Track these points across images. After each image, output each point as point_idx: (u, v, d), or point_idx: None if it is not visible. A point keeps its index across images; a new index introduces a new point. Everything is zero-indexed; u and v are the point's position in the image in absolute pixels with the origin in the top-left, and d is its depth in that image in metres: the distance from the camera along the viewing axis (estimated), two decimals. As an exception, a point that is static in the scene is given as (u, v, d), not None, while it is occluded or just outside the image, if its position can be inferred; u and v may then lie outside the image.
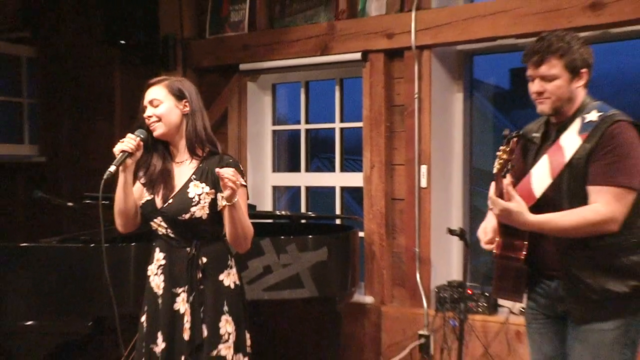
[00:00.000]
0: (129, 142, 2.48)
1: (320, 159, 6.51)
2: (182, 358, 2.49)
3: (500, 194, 2.29)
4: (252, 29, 4.70)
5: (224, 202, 2.40)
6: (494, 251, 2.46)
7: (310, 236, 3.68)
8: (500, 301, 4.03)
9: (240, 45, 4.68)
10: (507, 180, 2.30)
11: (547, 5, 3.63)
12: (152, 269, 2.61)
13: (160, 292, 2.56)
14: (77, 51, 5.30)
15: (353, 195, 5.26)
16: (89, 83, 5.25)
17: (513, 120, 5.22)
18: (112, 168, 2.43)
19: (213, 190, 2.49)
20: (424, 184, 4.11)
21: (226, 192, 2.36)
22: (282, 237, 3.61)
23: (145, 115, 2.55)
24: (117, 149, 2.47)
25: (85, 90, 5.28)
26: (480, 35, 3.87)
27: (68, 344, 3.40)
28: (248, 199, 2.63)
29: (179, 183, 2.55)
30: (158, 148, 2.60)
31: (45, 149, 5.49)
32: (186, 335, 2.49)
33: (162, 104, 2.54)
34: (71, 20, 5.29)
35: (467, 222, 4.33)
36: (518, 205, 2.28)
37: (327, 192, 4.89)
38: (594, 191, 2.30)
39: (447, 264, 4.29)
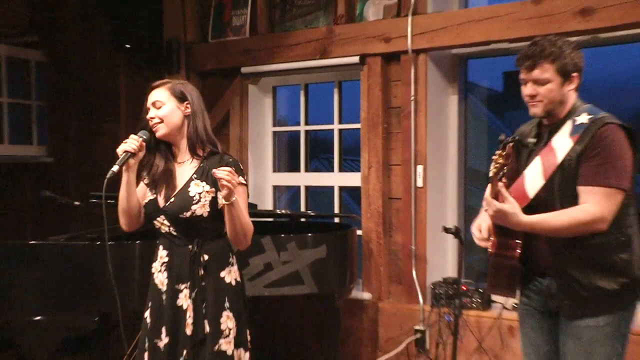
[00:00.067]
0: (131, 142, 2.49)
1: (320, 160, 6.51)
2: (185, 352, 2.49)
3: (495, 196, 2.30)
4: (253, 33, 4.70)
5: (223, 201, 2.41)
6: (489, 250, 2.47)
7: (309, 234, 3.68)
8: (494, 297, 4.04)
9: (242, 49, 4.68)
10: (502, 182, 2.31)
11: (539, 10, 3.63)
12: (156, 266, 2.62)
13: (164, 288, 2.56)
14: (83, 55, 5.30)
15: (351, 194, 5.25)
16: (95, 86, 5.25)
17: (506, 122, 5.22)
18: (115, 168, 2.43)
19: (213, 189, 2.49)
20: (420, 183, 4.11)
21: (223, 192, 2.36)
22: (283, 235, 3.60)
23: (148, 116, 2.56)
24: (120, 149, 2.48)
25: (91, 92, 5.28)
26: (475, 40, 3.87)
27: (75, 339, 3.41)
28: (248, 197, 2.64)
29: (180, 182, 2.56)
30: (160, 149, 2.60)
31: (52, 149, 5.49)
32: (188, 330, 2.49)
33: (164, 105, 2.55)
34: (78, 25, 5.29)
35: (461, 221, 4.32)
36: (512, 207, 2.29)
37: (326, 192, 4.87)
38: (584, 191, 2.31)
39: (443, 261, 4.28)
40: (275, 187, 5.02)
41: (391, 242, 4.27)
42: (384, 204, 4.24)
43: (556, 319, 2.47)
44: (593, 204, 2.28)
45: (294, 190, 5.07)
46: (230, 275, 2.58)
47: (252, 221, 2.59)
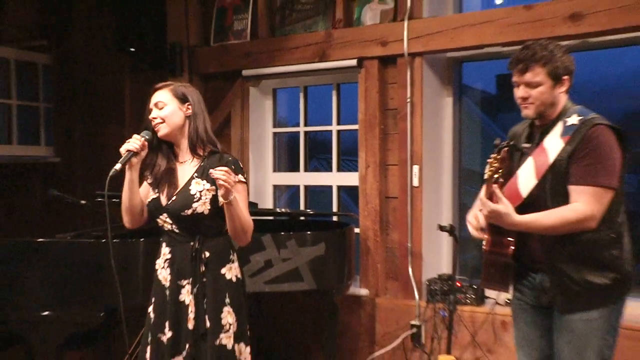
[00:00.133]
0: (134, 142, 2.50)
1: (318, 160, 6.51)
2: (187, 346, 2.50)
3: (490, 197, 2.31)
4: (254, 37, 4.70)
5: (222, 200, 2.41)
6: (484, 247, 2.48)
7: (308, 232, 3.68)
8: (487, 293, 4.04)
9: (243, 52, 4.68)
10: (496, 185, 2.32)
11: (531, 15, 3.63)
12: (159, 263, 2.62)
13: (167, 284, 2.57)
14: (89, 58, 5.30)
15: (349, 193, 5.25)
16: (100, 88, 5.26)
17: (499, 123, 5.21)
18: (118, 166, 2.45)
19: (213, 187, 2.50)
20: (416, 183, 4.10)
21: (221, 191, 2.37)
22: (282, 233, 3.60)
23: (150, 116, 2.57)
24: (123, 148, 2.49)
25: (97, 94, 5.28)
26: (469, 44, 3.87)
27: (81, 333, 3.41)
28: (249, 195, 2.64)
29: (182, 181, 2.57)
30: (162, 149, 2.61)
31: (59, 150, 5.49)
32: (190, 325, 2.50)
33: (166, 106, 2.56)
34: (84, 29, 5.30)
35: (456, 219, 4.31)
36: (505, 207, 2.30)
37: (324, 191, 4.87)
38: (574, 190, 2.32)
39: (438, 258, 4.28)
40: (276, 187, 5.02)
41: (388, 240, 4.27)
42: (381, 202, 4.24)
43: (549, 313, 2.48)
44: (582, 203, 2.29)
45: (294, 190, 5.06)
46: (231, 271, 2.59)
47: (253, 219, 2.60)
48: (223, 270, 2.57)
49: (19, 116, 5.27)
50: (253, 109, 4.85)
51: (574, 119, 2.37)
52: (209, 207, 2.51)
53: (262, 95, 4.92)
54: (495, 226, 2.40)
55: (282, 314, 4.60)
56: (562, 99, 2.42)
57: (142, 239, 3.30)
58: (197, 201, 2.50)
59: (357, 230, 4.26)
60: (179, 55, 4.79)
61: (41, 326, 3.20)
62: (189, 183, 2.54)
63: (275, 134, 4.99)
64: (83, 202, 3.97)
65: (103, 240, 3.30)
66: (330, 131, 4.69)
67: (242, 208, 2.50)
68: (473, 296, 3.96)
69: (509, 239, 2.42)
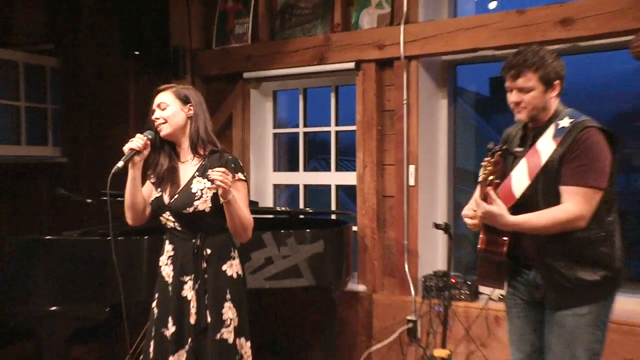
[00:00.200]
0: (137, 141, 2.51)
1: (317, 160, 6.49)
2: (189, 340, 2.51)
3: (484, 198, 2.32)
4: (255, 40, 4.69)
5: (221, 199, 2.42)
6: (479, 246, 2.48)
7: (308, 230, 3.68)
8: (481, 289, 4.04)
9: (244, 55, 4.67)
10: (490, 187, 2.33)
11: (523, 20, 3.63)
12: (162, 260, 2.63)
13: (170, 280, 2.58)
14: (95, 61, 5.30)
15: (347, 192, 5.24)
16: (106, 90, 5.25)
17: (493, 125, 5.22)
18: (120, 163, 2.46)
19: (214, 186, 2.49)
20: (412, 182, 4.11)
21: (219, 191, 2.38)
22: (282, 231, 3.61)
23: (153, 117, 2.57)
24: (127, 147, 2.50)
25: (102, 97, 5.28)
26: (463, 47, 3.87)
27: (87, 328, 3.41)
28: (250, 194, 2.64)
29: (184, 180, 2.57)
30: (165, 148, 2.62)
31: (66, 150, 5.48)
32: (192, 320, 2.51)
33: (169, 107, 2.57)
34: (90, 34, 5.29)
35: (451, 217, 4.32)
36: (499, 208, 2.31)
37: (323, 190, 4.87)
38: (565, 191, 2.32)
39: (433, 255, 4.28)
40: (276, 186, 5.01)
41: (385, 238, 4.27)
42: (378, 201, 4.24)
43: (541, 308, 2.48)
44: (572, 203, 2.29)
45: (293, 189, 5.06)
46: (232, 268, 2.59)
47: (254, 218, 2.60)
48: (224, 267, 2.57)
49: (27, 117, 5.27)
50: (254, 111, 4.85)
51: (565, 122, 2.37)
52: (210, 205, 2.51)
53: (263, 97, 4.92)
54: (490, 226, 2.41)
55: (282, 310, 4.60)
56: (554, 102, 2.43)
57: (146, 237, 3.30)
58: (198, 199, 2.50)
59: (355, 228, 4.26)
60: (182, 59, 4.78)
61: (49, 321, 3.20)
62: (190, 182, 2.54)
63: (275, 134, 4.99)
64: (89, 200, 3.98)
65: (108, 238, 3.29)
66: (329, 132, 4.69)
67: (241, 206, 2.50)
68: (467, 292, 3.96)
69: (504, 238, 2.42)
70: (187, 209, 2.50)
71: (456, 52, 3.96)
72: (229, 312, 2.54)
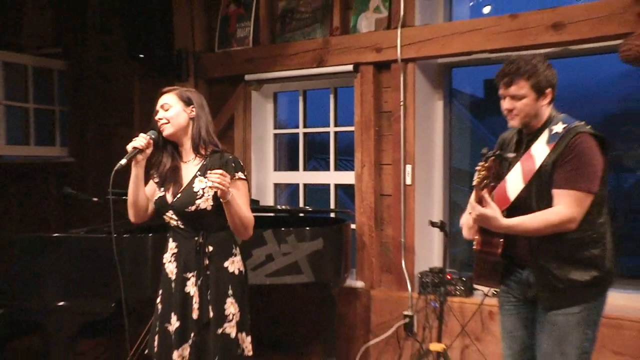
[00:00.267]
0: (140, 140, 2.52)
1: (317, 159, 6.49)
2: (192, 335, 2.52)
3: (479, 201, 2.32)
4: (256, 43, 4.69)
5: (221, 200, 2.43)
6: (474, 247, 2.49)
7: (307, 228, 3.68)
8: (476, 285, 4.04)
9: (246, 58, 4.68)
10: (485, 190, 2.33)
11: (516, 24, 3.64)
12: (166, 257, 2.64)
13: (173, 277, 2.58)
14: (101, 64, 5.30)
15: (346, 191, 5.25)
16: (111, 92, 5.26)
17: (487, 126, 5.24)
18: (123, 161, 2.47)
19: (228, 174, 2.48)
20: (408, 181, 4.11)
21: (218, 193, 2.39)
22: (283, 228, 3.61)
23: (157, 117, 2.58)
24: (130, 145, 2.51)
25: (108, 98, 5.28)
26: (458, 50, 3.88)
27: (94, 323, 3.42)
28: (251, 192, 2.64)
29: (186, 179, 2.58)
30: (168, 148, 2.63)
31: (73, 150, 5.49)
32: (195, 315, 2.52)
33: (172, 108, 2.58)
34: (97, 37, 5.30)
35: (446, 216, 4.32)
36: (493, 211, 2.31)
37: (322, 189, 4.87)
38: (557, 194, 2.33)
39: (429, 252, 4.29)
40: (276, 185, 5.01)
41: (382, 235, 4.27)
42: (375, 200, 4.24)
43: (533, 306, 2.48)
44: (564, 206, 2.30)
45: (293, 188, 5.06)
46: (234, 265, 2.60)
47: (255, 216, 2.61)
48: (226, 264, 2.58)
49: (36, 119, 5.28)
50: (255, 112, 4.85)
51: (559, 127, 2.38)
52: (212, 204, 2.51)
53: (264, 98, 4.93)
54: (485, 228, 2.41)
55: (282, 305, 4.61)
56: (546, 109, 2.43)
57: (150, 234, 3.31)
58: (200, 198, 2.51)
59: (353, 226, 4.26)
60: (185, 61, 4.79)
61: (56, 315, 3.21)
62: (192, 181, 2.55)
63: (276, 135, 4.99)
64: (95, 199, 3.98)
65: (114, 235, 3.31)
66: (328, 132, 4.69)
67: (241, 204, 2.51)
68: (462, 288, 3.97)
69: (498, 239, 2.42)
70: (190, 207, 2.51)
71: (451, 55, 3.97)
72: (231, 307, 2.54)
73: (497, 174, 2.48)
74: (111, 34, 5.14)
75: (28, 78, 5.19)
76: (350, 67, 4.24)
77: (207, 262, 2.54)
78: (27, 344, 4.21)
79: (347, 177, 4.60)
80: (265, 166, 4.97)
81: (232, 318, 2.54)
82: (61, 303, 3.20)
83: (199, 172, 2.56)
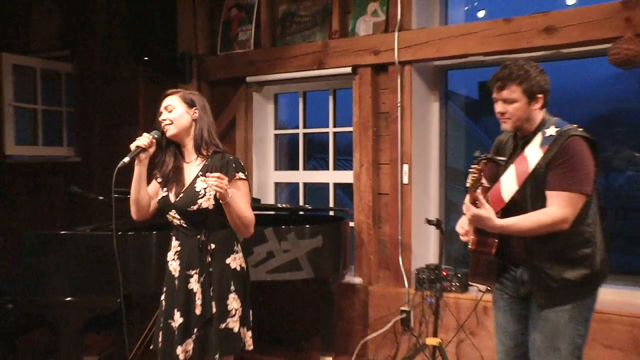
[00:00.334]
0: (143, 139, 2.53)
1: (316, 159, 6.46)
2: (195, 330, 2.52)
3: (474, 202, 2.32)
4: (257, 46, 4.70)
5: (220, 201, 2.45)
6: (470, 246, 2.49)
7: (307, 226, 3.69)
8: (471, 283, 4.05)
9: (247, 60, 4.68)
10: (479, 190, 2.34)
11: (509, 28, 3.65)
12: (170, 255, 2.64)
13: (176, 274, 2.59)
14: (107, 67, 5.30)
15: (344, 190, 5.25)
16: (117, 94, 5.26)
17: (481, 126, 5.23)
18: (126, 159, 2.48)
19: (225, 177, 2.49)
20: (405, 180, 4.12)
21: (217, 194, 2.40)
22: (283, 226, 3.61)
23: (160, 118, 2.59)
24: (133, 144, 2.52)
25: (114, 100, 5.28)
26: (454, 53, 3.88)
27: (100, 317, 3.44)
28: (251, 192, 2.65)
29: (188, 179, 2.59)
30: (170, 149, 2.63)
31: (80, 150, 5.49)
32: (198, 311, 2.52)
33: (175, 109, 2.58)
34: (103, 41, 5.29)
35: (442, 214, 4.33)
36: (487, 212, 2.31)
37: (322, 188, 4.87)
38: (550, 195, 2.33)
39: (425, 249, 4.29)
40: (277, 184, 5.02)
41: (380, 233, 4.27)
42: (373, 198, 4.25)
43: (526, 303, 2.49)
44: (557, 207, 2.30)
45: (294, 187, 5.06)
46: (235, 261, 2.60)
47: (256, 214, 2.61)
48: (228, 260, 2.58)
49: (44, 120, 5.28)
50: (256, 113, 4.85)
51: (552, 130, 2.38)
52: (213, 203, 2.52)
53: (265, 100, 4.93)
54: (481, 228, 2.41)
55: (282, 301, 4.61)
56: (539, 114, 2.43)
57: (154, 232, 3.31)
58: (202, 197, 2.51)
59: (351, 224, 4.27)
60: (189, 64, 4.79)
61: (64, 310, 3.22)
62: (194, 181, 2.56)
63: (276, 135, 4.99)
64: (101, 198, 3.99)
65: (119, 233, 3.32)
66: (327, 133, 4.70)
67: (241, 204, 2.51)
68: (458, 284, 3.98)
69: (493, 239, 2.43)
70: (192, 207, 2.52)
71: (447, 57, 3.97)
72: (233, 302, 2.55)
73: (494, 176, 2.50)
74: (116, 37, 5.14)
75: (36, 80, 5.20)
76: (348, 70, 4.25)
77: (209, 259, 2.55)
78: (36, 338, 4.22)
79: (345, 177, 4.60)
80: (266, 166, 4.97)
81: (235, 313, 2.55)
82: (68, 299, 3.22)
83: (200, 172, 2.56)
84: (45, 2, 5.29)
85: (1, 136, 4.95)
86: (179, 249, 2.60)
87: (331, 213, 4.56)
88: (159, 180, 2.64)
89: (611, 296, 3.56)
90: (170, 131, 2.58)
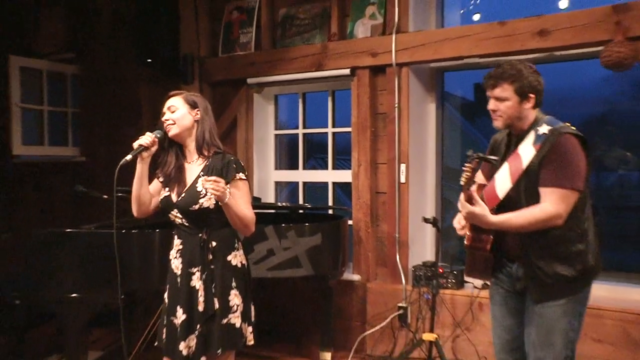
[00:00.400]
0: (146, 138, 2.53)
1: (315, 159, 6.48)
2: (198, 326, 2.52)
3: (469, 200, 2.33)
4: (258, 48, 4.71)
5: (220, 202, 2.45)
6: (466, 242, 2.50)
7: (307, 224, 3.69)
8: (466, 278, 4.06)
9: (248, 62, 4.69)
10: (474, 188, 2.35)
11: (504, 31, 3.66)
12: (172, 254, 2.64)
13: (179, 272, 2.59)
14: (111, 69, 5.29)
15: (343, 189, 5.25)
16: (121, 95, 5.25)
17: (476, 127, 5.24)
18: (129, 157, 2.48)
19: (222, 179, 2.48)
20: (403, 179, 4.13)
21: (215, 197, 2.42)
22: (283, 224, 3.62)
23: (163, 118, 2.60)
24: (136, 143, 2.52)
25: (118, 101, 5.28)
26: (450, 55, 3.89)
27: (104, 313, 3.45)
28: (252, 190, 2.65)
29: (190, 179, 2.58)
30: (173, 149, 2.63)
31: (85, 150, 5.49)
32: (200, 307, 2.52)
33: (178, 110, 2.58)
34: (107, 43, 5.29)
35: (439, 212, 4.34)
36: (481, 209, 2.33)
37: (321, 187, 4.88)
38: (543, 192, 2.34)
39: (422, 247, 4.30)
40: (277, 183, 5.02)
41: (378, 231, 4.28)
42: (371, 197, 4.25)
43: (521, 298, 2.50)
44: (550, 203, 2.30)
45: (293, 186, 5.07)
46: (236, 258, 2.60)
47: (256, 212, 2.60)
48: (229, 258, 2.58)
49: (50, 120, 5.28)
50: (257, 113, 4.86)
51: (544, 129, 2.39)
52: (214, 202, 2.51)
53: (265, 100, 4.94)
54: (476, 225, 2.43)
55: (283, 298, 4.62)
56: (531, 113, 2.43)
57: (157, 230, 3.31)
58: (203, 197, 2.51)
59: (350, 222, 4.27)
60: (191, 66, 4.80)
61: (70, 306, 3.23)
62: (196, 181, 2.55)
63: (276, 135, 4.99)
64: (105, 196, 4.00)
65: (122, 231, 3.32)
66: (326, 133, 4.70)
67: (241, 204, 2.51)
68: (453, 281, 3.99)
69: (487, 235, 2.44)
70: (193, 206, 2.51)
71: (443, 59, 3.98)
72: (235, 298, 2.55)
73: (491, 174, 2.51)
74: (121, 40, 5.14)
75: (43, 82, 5.20)
76: (347, 71, 4.25)
77: (210, 257, 2.55)
78: (44, 332, 4.24)
79: (344, 176, 4.61)
80: (267, 165, 4.98)
81: (236, 309, 2.55)
82: (73, 295, 3.22)
83: (202, 173, 2.56)
84: (52, 6, 5.29)
85: (9, 136, 4.96)
86: (181, 247, 2.60)
87: (330, 211, 4.56)
88: (161, 179, 2.64)
89: (603, 292, 3.57)
90: (173, 131, 2.58)
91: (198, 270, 2.56)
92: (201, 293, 2.54)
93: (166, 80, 4.70)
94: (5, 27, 4.96)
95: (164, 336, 2.60)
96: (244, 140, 4.81)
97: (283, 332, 4.59)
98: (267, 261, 3.55)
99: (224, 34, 4.88)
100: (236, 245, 2.63)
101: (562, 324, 2.39)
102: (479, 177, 2.64)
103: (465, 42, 3.80)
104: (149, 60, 4.61)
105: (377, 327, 4.17)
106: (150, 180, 2.64)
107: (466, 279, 4.04)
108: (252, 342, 2.63)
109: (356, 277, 4.31)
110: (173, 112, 2.58)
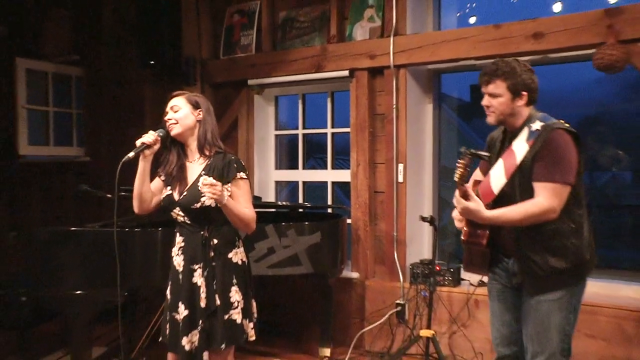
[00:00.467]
0: (148, 136, 2.53)
1: (315, 159, 6.47)
2: (201, 322, 2.53)
3: (464, 195, 2.34)
4: (259, 50, 4.71)
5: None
6: (462, 237, 2.51)
7: (306, 223, 3.69)
8: (463, 275, 4.06)
9: (249, 64, 4.69)
10: (469, 183, 2.36)
11: (500, 33, 3.66)
12: (174, 251, 2.64)
13: (181, 269, 2.59)
14: (115, 70, 5.30)
15: (342, 188, 5.26)
16: (124, 96, 5.26)
17: (473, 127, 5.24)
18: (131, 154, 2.48)
19: (219, 183, 2.50)
20: (400, 179, 4.13)
21: (213, 199, 2.42)
22: (283, 223, 3.62)
23: (166, 118, 2.61)
24: (139, 141, 2.52)
25: (121, 102, 5.28)
26: (446, 57, 3.90)
27: (108, 310, 3.46)
28: (252, 190, 2.65)
29: (191, 178, 2.59)
30: (175, 148, 2.64)
31: (89, 150, 5.49)
32: (202, 304, 2.52)
33: (180, 110, 2.59)
34: (111, 46, 5.29)
35: (436, 211, 4.34)
36: (476, 205, 2.33)
37: (320, 186, 4.89)
38: (537, 187, 2.34)
39: (420, 245, 4.31)
40: (277, 182, 5.03)
41: (376, 229, 4.28)
42: (370, 196, 4.26)
43: (518, 293, 2.51)
44: (543, 198, 2.31)
45: (293, 185, 5.07)
46: (237, 256, 2.61)
47: (257, 211, 2.61)
48: (230, 255, 2.58)
49: (55, 121, 5.28)
50: (257, 114, 4.87)
51: (537, 125, 2.39)
52: None
53: (266, 101, 4.94)
54: (472, 220, 2.44)
55: (283, 295, 4.62)
56: (524, 110, 2.44)
57: (160, 229, 3.31)
58: (204, 196, 2.49)
59: (349, 221, 4.27)
60: (193, 68, 4.80)
61: (74, 303, 3.23)
62: (197, 180, 2.55)
63: (277, 136, 5.00)
64: (109, 195, 4.00)
65: (126, 230, 3.33)
66: (326, 133, 4.71)
67: (242, 203, 2.52)
68: (450, 278, 3.99)
69: (483, 231, 2.45)
70: (195, 204, 2.52)
71: (440, 61, 3.99)
72: (235, 295, 2.56)
73: (487, 170, 2.52)
74: (124, 42, 5.14)
75: (48, 83, 5.19)
76: (346, 73, 4.26)
77: (212, 254, 2.55)
78: (49, 329, 4.25)
79: (343, 175, 4.61)
80: (267, 165, 4.98)
81: (237, 305, 2.55)
82: (78, 292, 3.22)
83: (203, 172, 2.56)
84: (57, 10, 5.30)
85: (15, 137, 4.96)
86: (182, 244, 2.60)
87: (329, 210, 4.56)
88: (163, 178, 2.64)
89: (596, 289, 3.57)
90: (175, 130, 2.58)
91: (200, 267, 2.56)
92: (203, 290, 2.54)
93: (169, 82, 4.70)
94: (11, 30, 4.97)
95: (167, 332, 2.61)
96: (244, 140, 4.81)
97: (283, 329, 4.59)
98: (267, 259, 3.55)
99: (225, 37, 4.88)
100: (237, 243, 2.64)
101: (558, 318, 2.39)
102: (477, 174, 2.65)
103: (462, 44, 3.80)
104: (152, 62, 4.61)
105: (376, 324, 4.17)
106: (151, 179, 2.64)
107: (464, 274, 4.05)
108: (253, 338, 2.64)
109: (355, 275, 4.31)
110: (176, 111, 2.59)
